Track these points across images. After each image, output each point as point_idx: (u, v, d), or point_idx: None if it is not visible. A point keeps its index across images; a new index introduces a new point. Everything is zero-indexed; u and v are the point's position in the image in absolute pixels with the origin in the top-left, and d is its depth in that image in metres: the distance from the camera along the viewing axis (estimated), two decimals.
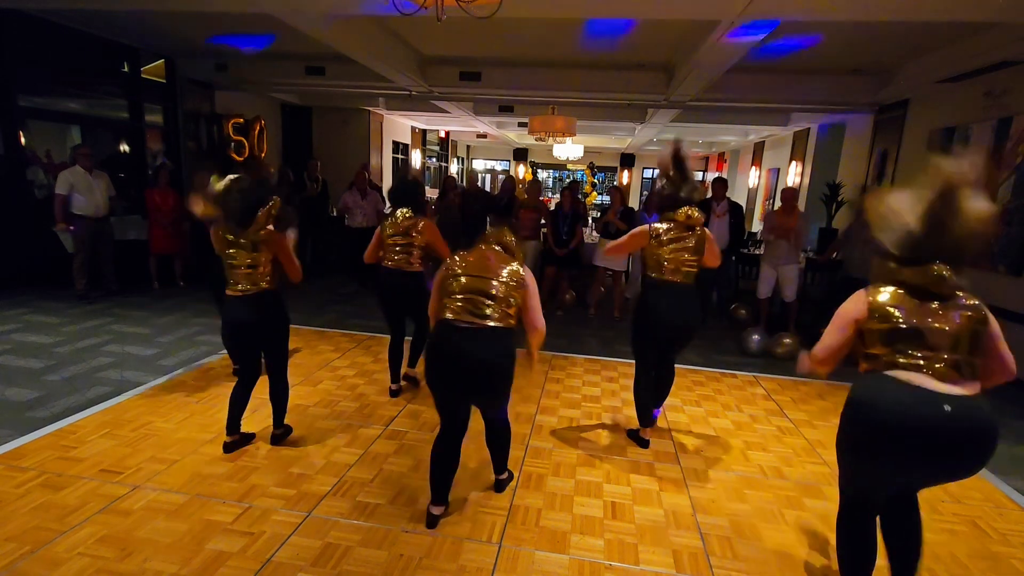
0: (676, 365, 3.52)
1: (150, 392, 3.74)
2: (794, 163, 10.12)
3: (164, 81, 7.72)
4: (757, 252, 7.36)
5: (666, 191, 3.14)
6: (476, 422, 2.61)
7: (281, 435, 3.16)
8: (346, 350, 4.83)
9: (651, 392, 3.34)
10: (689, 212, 3.08)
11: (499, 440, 2.68)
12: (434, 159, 16.25)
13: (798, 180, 9.85)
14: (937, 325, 1.72)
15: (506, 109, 10.08)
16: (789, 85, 7.00)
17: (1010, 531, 2.70)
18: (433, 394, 2.46)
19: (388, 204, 3.88)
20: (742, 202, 10.64)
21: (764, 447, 3.47)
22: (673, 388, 3.58)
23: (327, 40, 5.63)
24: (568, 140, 10.48)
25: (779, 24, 4.53)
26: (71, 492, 2.57)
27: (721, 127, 11.16)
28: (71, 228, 5.76)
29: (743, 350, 5.45)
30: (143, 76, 7.39)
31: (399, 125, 12.59)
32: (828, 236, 7.34)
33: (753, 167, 13.00)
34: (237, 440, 3.03)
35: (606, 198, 14.82)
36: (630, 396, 3.46)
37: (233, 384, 3.05)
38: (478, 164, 21.11)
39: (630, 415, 3.60)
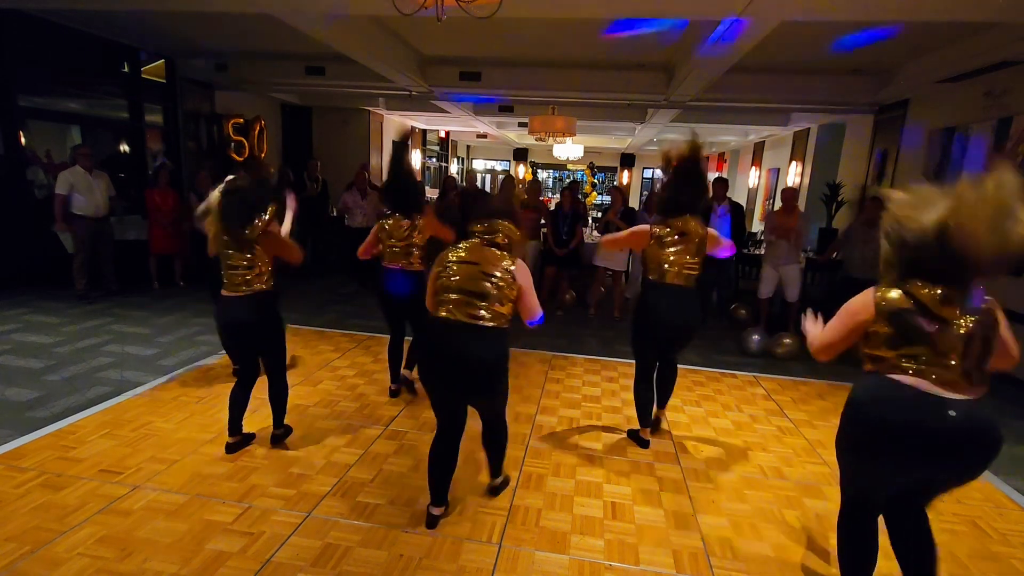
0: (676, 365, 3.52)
1: (150, 392, 3.74)
2: (794, 163, 10.11)
3: (164, 81, 7.72)
4: (757, 252, 7.36)
5: (667, 194, 3.10)
6: (476, 423, 2.61)
7: (281, 435, 3.16)
8: (346, 350, 4.83)
9: (652, 392, 3.34)
10: (686, 222, 3.05)
11: (496, 442, 2.66)
12: (434, 159, 16.25)
13: (798, 180, 9.85)
14: (946, 331, 1.65)
15: (506, 109, 10.08)
16: (789, 85, 7.00)
17: (1010, 531, 2.70)
18: (428, 394, 2.45)
19: (385, 207, 3.76)
20: (742, 202, 10.63)
21: (764, 447, 3.47)
22: (673, 388, 3.57)
23: (327, 40, 5.63)
24: (568, 140, 10.47)
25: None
26: (71, 492, 2.57)
27: (721, 127, 11.15)
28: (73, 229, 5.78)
29: (743, 350, 5.45)
30: (143, 76, 7.39)
31: (399, 125, 12.59)
32: (828, 236, 7.35)
33: (753, 167, 13.00)
34: (239, 440, 3.03)
35: (606, 198, 14.84)
36: (630, 396, 3.46)
37: (233, 384, 3.05)
38: (478, 164, 21.10)
39: (630, 415, 3.60)
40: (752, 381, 4.65)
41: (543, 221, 6.82)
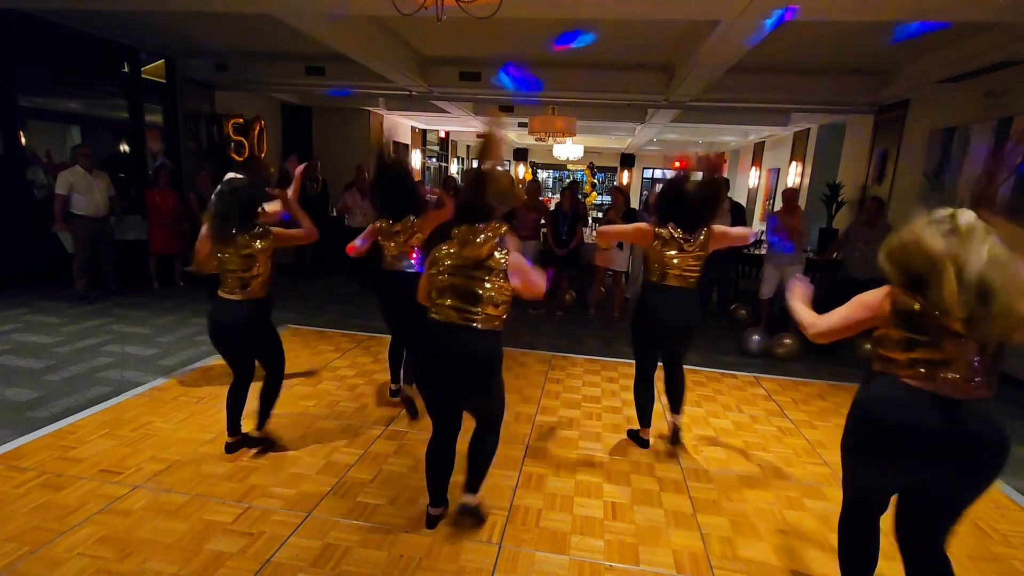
0: None
1: (150, 392, 3.74)
2: (794, 163, 10.11)
3: (164, 81, 7.72)
4: (757, 252, 7.36)
5: (669, 198, 3.05)
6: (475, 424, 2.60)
7: (256, 442, 3.04)
8: (346, 350, 4.83)
9: (652, 393, 3.33)
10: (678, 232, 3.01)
11: (484, 451, 2.49)
12: (434, 159, 16.25)
13: (798, 180, 9.85)
14: (960, 337, 1.61)
15: (506, 109, 10.08)
16: (789, 85, 6.99)
17: (1011, 532, 2.70)
18: (421, 394, 2.42)
19: (377, 211, 3.49)
20: (742, 202, 10.63)
21: (764, 447, 3.47)
22: (684, 391, 3.44)
23: (327, 40, 5.63)
24: (568, 140, 10.47)
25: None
26: (71, 492, 2.57)
27: (721, 127, 11.16)
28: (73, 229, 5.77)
29: (743, 350, 5.45)
30: (143, 76, 7.38)
31: (399, 125, 12.59)
32: (828, 236, 7.34)
33: (753, 167, 13.00)
34: (238, 441, 3.03)
35: (606, 198, 14.85)
36: (630, 396, 3.45)
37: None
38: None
39: (630, 415, 3.60)
40: (752, 381, 4.65)
41: (543, 221, 6.83)
